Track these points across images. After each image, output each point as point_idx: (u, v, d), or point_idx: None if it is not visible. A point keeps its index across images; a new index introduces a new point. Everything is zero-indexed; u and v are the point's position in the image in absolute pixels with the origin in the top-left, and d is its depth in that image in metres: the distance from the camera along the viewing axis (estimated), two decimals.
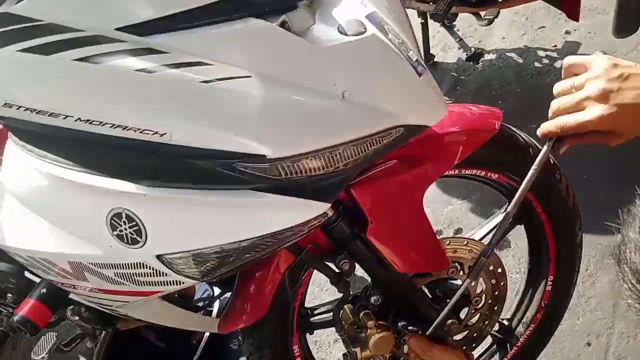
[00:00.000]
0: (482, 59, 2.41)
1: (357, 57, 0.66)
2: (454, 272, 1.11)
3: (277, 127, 0.60)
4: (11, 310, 1.26)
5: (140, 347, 1.71)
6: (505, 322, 1.31)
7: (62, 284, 0.94)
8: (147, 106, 0.56)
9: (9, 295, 1.15)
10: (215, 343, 1.64)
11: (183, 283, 0.75)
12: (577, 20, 2.01)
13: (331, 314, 1.13)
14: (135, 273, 0.76)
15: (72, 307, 1.30)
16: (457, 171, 1.05)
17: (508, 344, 1.31)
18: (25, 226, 0.83)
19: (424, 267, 0.97)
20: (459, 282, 1.16)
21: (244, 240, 0.66)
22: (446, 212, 1.82)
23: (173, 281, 0.75)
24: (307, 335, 1.22)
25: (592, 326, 1.49)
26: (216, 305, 1.42)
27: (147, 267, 0.74)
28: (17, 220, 0.84)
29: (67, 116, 0.56)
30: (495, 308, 1.19)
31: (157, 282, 0.76)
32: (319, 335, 1.65)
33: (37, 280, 1.00)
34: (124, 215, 0.69)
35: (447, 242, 1.08)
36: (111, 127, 0.56)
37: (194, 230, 0.67)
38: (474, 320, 1.19)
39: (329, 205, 0.68)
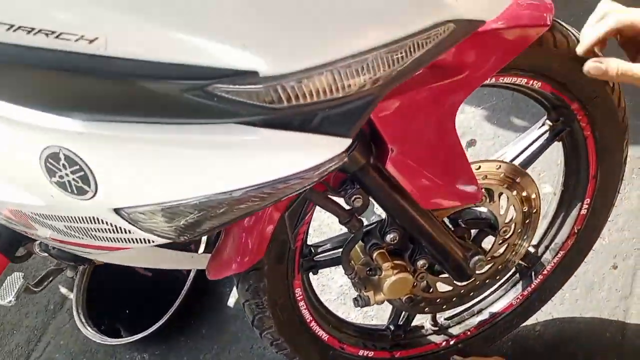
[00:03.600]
0: None
1: None
2: (481, 200, 0.94)
3: (276, 25, 0.38)
4: None
5: (125, 277, 1.58)
6: (531, 250, 1.16)
7: (13, 230, 0.76)
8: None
9: None
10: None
11: (153, 241, 0.57)
12: None
13: (337, 250, 0.98)
14: (91, 228, 0.58)
15: (39, 241, 1.13)
16: (493, 79, 0.85)
17: (533, 273, 1.18)
18: None
19: (452, 201, 0.80)
20: (483, 209, 1.00)
21: (232, 191, 0.47)
22: (458, 120, 1.63)
23: (140, 239, 0.57)
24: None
25: (619, 247, 1.36)
26: (203, 240, 1.26)
27: (103, 223, 0.56)
28: None
29: None
30: (526, 237, 1.04)
31: (120, 239, 0.58)
32: None
33: None
34: (62, 155, 0.49)
35: (478, 166, 0.91)
36: (14, 30, 0.35)
37: (163, 177, 0.48)
38: (500, 251, 1.05)
39: (349, 141, 0.48)
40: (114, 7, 0.34)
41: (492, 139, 1.58)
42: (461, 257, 0.91)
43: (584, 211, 1.10)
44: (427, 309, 1.04)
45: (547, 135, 1.00)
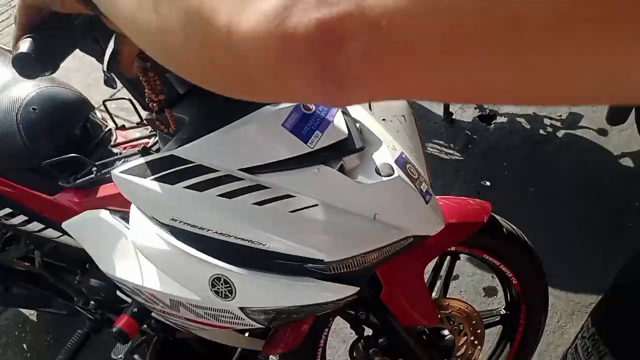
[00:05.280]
0: (494, 121, 2.73)
1: (386, 192, 1.00)
2: (456, 330, 1.44)
3: (333, 240, 0.94)
4: (93, 317, 1.63)
5: (182, 349, 2.06)
6: None
7: (154, 308, 1.28)
8: (257, 226, 0.91)
9: (92, 303, 1.53)
10: (246, 353, 1.98)
11: (252, 326, 1.09)
12: None
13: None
14: (220, 315, 1.11)
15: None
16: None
17: None
18: (141, 267, 1.17)
19: (418, 322, 1.31)
20: (451, 336, 1.47)
21: (296, 306, 1.00)
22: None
23: (246, 323, 1.09)
24: None
25: None
26: None
27: (230, 313, 1.08)
28: (132, 261, 1.17)
29: (209, 230, 0.91)
30: None
31: (234, 322, 1.11)
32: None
33: (126, 298, 1.35)
34: (222, 279, 1.04)
35: (466, 306, 1.42)
36: (234, 238, 0.91)
37: (269, 297, 1.02)
38: None
39: (358, 288, 1.02)
40: (274, 233, 0.91)
41: (471, 276, 2.10)
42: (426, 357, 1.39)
43: None
44: None
45: (497, 318, 1.53)
